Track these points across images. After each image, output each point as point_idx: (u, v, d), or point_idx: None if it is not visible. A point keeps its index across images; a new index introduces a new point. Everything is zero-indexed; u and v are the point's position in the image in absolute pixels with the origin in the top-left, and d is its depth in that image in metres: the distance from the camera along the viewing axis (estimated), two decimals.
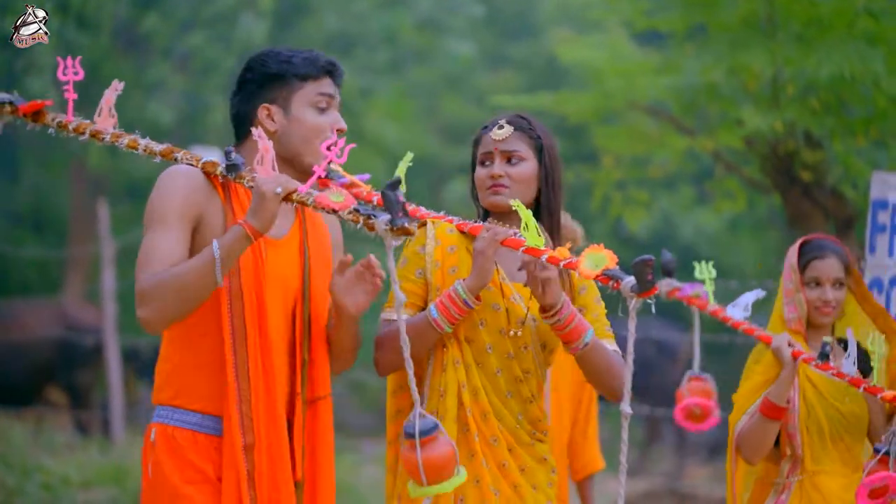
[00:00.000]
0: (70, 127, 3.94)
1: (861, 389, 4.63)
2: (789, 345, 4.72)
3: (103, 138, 3.91)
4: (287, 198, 3.72)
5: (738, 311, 4.69)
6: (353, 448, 13.75)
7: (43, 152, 19.03)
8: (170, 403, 3.88)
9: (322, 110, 3.96)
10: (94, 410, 14.46)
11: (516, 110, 4.34)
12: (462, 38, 19.75)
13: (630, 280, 3.74)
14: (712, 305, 4.70)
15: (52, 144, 18.58)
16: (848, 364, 4.62)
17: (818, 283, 4.86)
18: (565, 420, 6.02)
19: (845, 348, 4.80)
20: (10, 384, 14.35)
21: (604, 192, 9.76)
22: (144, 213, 3.84)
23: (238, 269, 3.81)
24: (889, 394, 4.59)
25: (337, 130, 3.96)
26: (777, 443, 4.85)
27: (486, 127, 4.29)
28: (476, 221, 4.21)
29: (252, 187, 3.73)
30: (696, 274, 4.47)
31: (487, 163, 4.24)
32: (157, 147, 3.89)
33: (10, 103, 3.96)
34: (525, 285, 4.15)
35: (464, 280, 4.06)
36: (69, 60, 3.89)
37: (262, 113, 3.93)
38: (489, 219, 4.25)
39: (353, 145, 3.75)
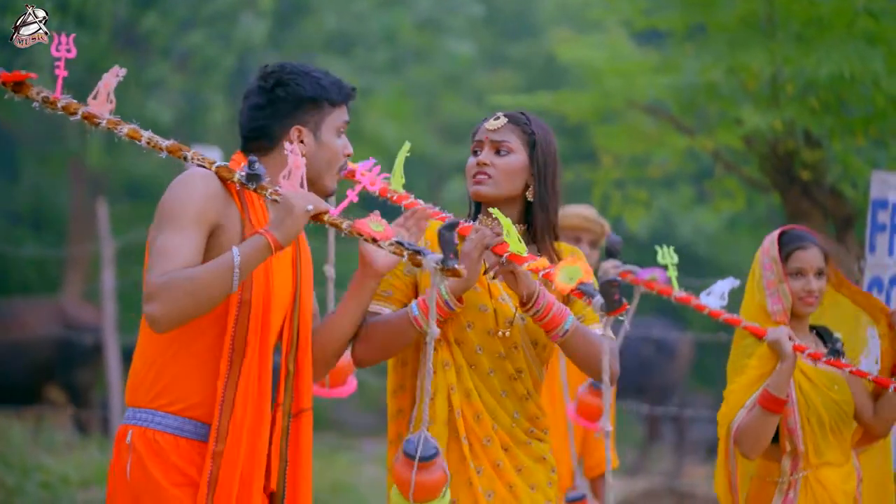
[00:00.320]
0: (59, 104, 3.80)
1: (870, 378, 4.77)
2: (790, 339, 4.75)
3: (98, 122, 3.80)
4: (317, 217, 3.74)
5: (713, 299, 4.70)
6: (353, 448, 13.69)
7: (42, 151, 19.01)
8: (150, 406, 3.83)
9: (341, 135, 4.01)
10: (94, 409, 14.45)
11: (517, 109, 4.33)
12: (461, 38, 19.73)
13: (599, 299, 3.84)
14: (678, 292, 4.71)
15: (51, 143, 18.58)
16: (868, 362, 4.69)
17: (802, 274, 4.88)
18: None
19: (824, 341, 4.87)
20: (10, 383, 14.34)
21: (603, 191, 9.75)
22: (157, 213, 3.80)
23: (251, 279, 3.81)
24: None
25: (345, 155, 4.01)
26: (774, 439, 4.86)
27: (485, 119, 4.30)
28: (468, 220, 4.22)
29: (276, 200, 3.73)
30: (659, 259, 4.48)
31: (478, 151, 4.24)
32: (164, 142, 3.81)
33: None
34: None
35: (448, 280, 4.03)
36: (63, 37, 3.78)
37: (294, 134, 3.92)
38: (479, 217, 4.25)
39: (386, 175, 3.82)
